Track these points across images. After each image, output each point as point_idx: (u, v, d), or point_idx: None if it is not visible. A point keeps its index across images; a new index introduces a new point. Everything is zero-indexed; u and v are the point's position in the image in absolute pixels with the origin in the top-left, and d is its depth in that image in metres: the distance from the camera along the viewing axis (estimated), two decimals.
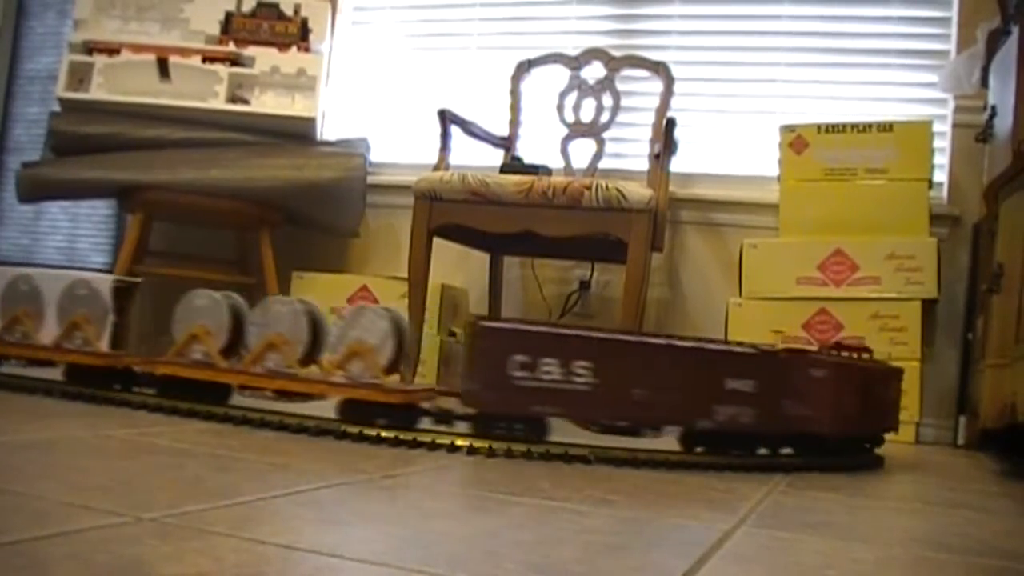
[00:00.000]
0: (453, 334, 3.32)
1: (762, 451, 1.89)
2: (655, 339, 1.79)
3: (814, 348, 2.04)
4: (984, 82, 2.83)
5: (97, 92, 3.49)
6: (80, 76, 3.53)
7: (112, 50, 3.54)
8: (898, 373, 2.14)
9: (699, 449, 1.85)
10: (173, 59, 3.51)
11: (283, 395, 1.90)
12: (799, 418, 1.85)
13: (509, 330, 1.75)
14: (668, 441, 1.85)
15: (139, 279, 2.21)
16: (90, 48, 3.56)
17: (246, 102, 3.53)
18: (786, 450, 1.93)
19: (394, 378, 1.93)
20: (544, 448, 1.72)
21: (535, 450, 1.71)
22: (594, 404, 1.75)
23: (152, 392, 1.98)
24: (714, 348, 1.82)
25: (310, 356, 1.96)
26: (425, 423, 1.84)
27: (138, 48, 3.54)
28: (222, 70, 3.51)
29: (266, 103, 3.54)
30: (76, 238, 4.46)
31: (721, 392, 1.79)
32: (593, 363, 1.75)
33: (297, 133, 3.55)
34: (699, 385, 1.79)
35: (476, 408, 1.79)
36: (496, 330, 1.75)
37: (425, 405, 1.87)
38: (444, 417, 1.84)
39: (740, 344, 1.86)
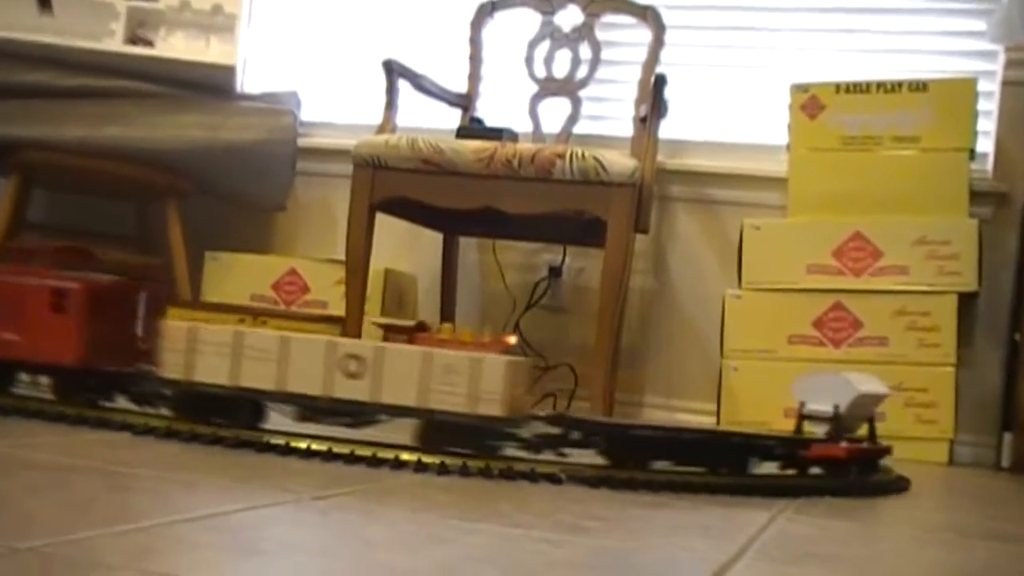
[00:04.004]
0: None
1: None
2: None
3: None
4: None
5: None
6: None
7: None
8: None
9: None
10: None
11: None
12: None
13: None
14: None
15: None
16: None
17: (149, 44, 3.49)
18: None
19: None
20: (506, 464, 1.73)
21: (494, 467, 1.71)
22: None
23: None
24: None
25: None
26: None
27: None
28: (119, 3, 3.46)
29: (174, 46, 3.50)
30: None
31: None
32: None
33: (212, 84, 3.51)
34: None
35: None
36: None
37: None
38: None
39: None
